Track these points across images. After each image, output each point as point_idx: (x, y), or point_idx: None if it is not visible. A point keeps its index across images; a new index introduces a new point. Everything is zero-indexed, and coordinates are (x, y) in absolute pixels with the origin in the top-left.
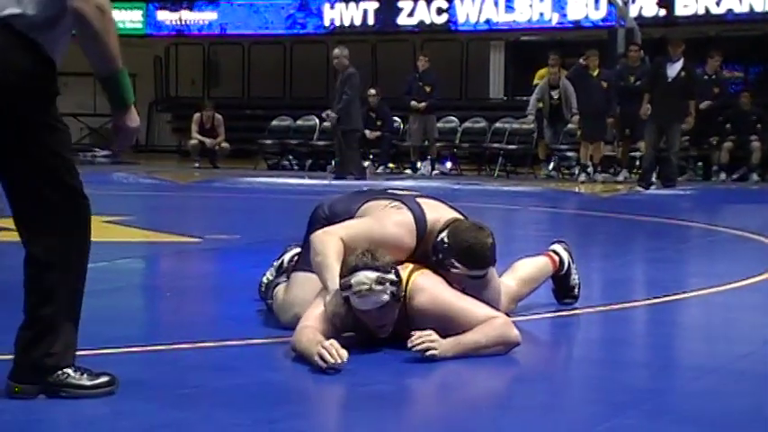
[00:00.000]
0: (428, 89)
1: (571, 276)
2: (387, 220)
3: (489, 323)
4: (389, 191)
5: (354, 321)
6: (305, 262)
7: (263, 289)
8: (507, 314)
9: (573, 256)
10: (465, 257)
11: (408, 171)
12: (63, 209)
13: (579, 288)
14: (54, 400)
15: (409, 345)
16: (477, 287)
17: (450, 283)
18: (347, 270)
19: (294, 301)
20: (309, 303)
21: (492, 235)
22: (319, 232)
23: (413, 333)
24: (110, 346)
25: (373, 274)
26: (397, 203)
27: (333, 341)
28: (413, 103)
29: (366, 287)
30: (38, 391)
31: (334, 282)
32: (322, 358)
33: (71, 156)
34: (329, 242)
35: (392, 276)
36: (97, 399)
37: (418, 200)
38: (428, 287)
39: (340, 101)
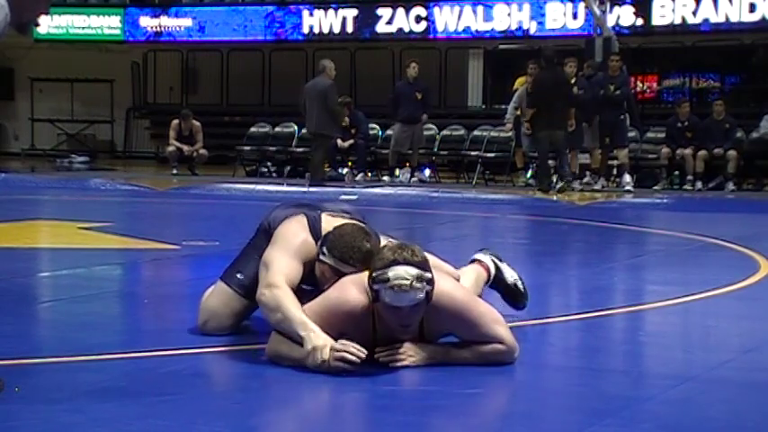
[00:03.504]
0: (419, 96)
1: (505, 275)
2: (288, 233)
3: (493, 348)
4: (307, 204)
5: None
6: (229, 275)
7: None
8: None
9: (498, 257)
10: (334, 247)
11: (386, 178)
12: None
13: (522, 283)
14: (30, 406)
15: (376, 356)
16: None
17: (324, 278)
18: (383, 263)
19: (206, 309)
20: (219, 317)
21: (374, 244)
22: (263, 290)
23: (377, 349)
24: (88, 352)
25: (414, 271)
26: (298, 216)
27: (343, 341)
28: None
29: (407, 282)
30: None
31: (306, 328)
32: (344, 360)
33: None
34: (280, 295)
35: (429, 275)
36: (73, 405)
37: (325, 214)
38: (441, 282)
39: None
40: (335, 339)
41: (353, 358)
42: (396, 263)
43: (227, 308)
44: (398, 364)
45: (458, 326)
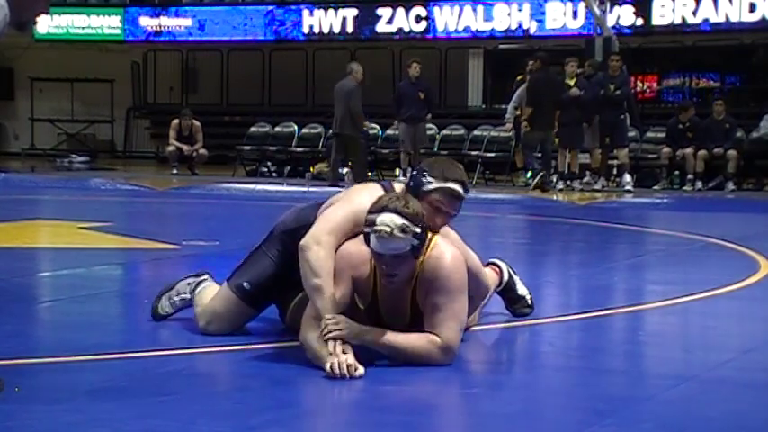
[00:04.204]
0: (422, 95)
1: (516, 287)
2: (356, 196)
3: (425, 337)
4: None
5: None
6: (235, 280)
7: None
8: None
9: (513, 270)
10: (438, 172)
11: (388, 178)
12: None
13: (531, 298)
14: (29, 406)
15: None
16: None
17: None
18: (375, 208)
19: (208, 312)
20: (221, 320)
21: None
22: (311, 243)
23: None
24: (87, 352)
25: (400, 220)
26: (373, 183)
27: (349, 356)
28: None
29: (388, 230)
30: None
31: (327, 311)
32: (332, 370)
33: None
34: (325, 260)
35: (417, 229)
36: (72, 405)
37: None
38: (443, 248)
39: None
40: (348, 285)
41: (345, 374)
42: (385, 209)
43: (229, 312)
44: (326, 335)
45: (429, 295)
